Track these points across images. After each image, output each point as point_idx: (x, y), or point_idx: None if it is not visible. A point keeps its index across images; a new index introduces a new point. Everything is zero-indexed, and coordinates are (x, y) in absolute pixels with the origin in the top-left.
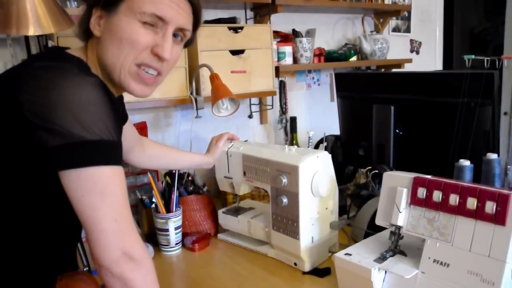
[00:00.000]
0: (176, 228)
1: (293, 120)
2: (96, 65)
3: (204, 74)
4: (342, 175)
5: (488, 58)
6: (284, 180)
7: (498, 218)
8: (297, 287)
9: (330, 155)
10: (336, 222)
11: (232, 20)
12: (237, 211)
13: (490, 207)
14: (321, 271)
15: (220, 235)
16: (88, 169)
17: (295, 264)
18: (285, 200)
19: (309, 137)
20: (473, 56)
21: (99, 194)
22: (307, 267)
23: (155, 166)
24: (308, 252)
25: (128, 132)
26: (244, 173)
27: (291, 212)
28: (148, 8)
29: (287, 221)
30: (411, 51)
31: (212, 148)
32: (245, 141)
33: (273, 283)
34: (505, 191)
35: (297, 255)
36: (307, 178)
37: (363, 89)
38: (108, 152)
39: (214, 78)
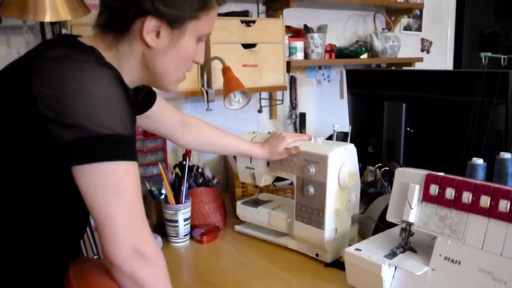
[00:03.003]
0: (185, 220)
1: (303, 116)
2: (117, 59)
3: (216, 67)
4: None
5: (506, 56)
6: (312, 170)
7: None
8: (304, 281)
9: (355, 148)
10: (358, 216)
11: (245, 13)
12: (256, 203)
13: (504, 205)
14: (343, 264)
15: (237, 227)
16: (102, 164)
17: (317, 255)
18: (311, 189)
19: (334, 131)
20: (489, 54)
21: (112, 190)
22: (329, 257)
23: (202, 150)
24: (331, 243)
25: (164, 112)
26: (268, 164)
27: (316, 202)
28: (208, 30)
29: (311, 211)
30: (422, 50)
31: (275, 142)
32: (268, 133)
33: (280, 276)
34: None
35: (320, 246)
36: (335, 169)
37: (375, 86)
38: (123, 147)
39: (226, 70)
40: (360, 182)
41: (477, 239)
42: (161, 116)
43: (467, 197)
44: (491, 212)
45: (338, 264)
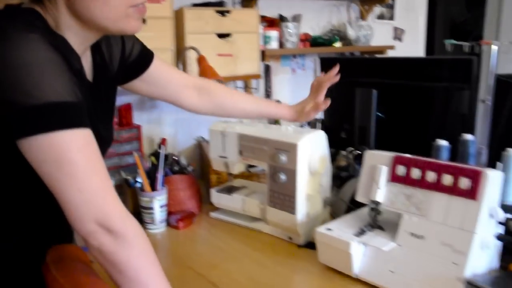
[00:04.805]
0: (161, 206)
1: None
2: (52, 19)
3: (191, 56)
4: None
5: (468, 44)
6: (283, 158)
7: (471, 193)
8: (278, 261)
9: (325, 134)
10: (330, 198)
11: (220, 3)
12: (230, 190)
13: (464, 183)
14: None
15: (212, 214)
16: (36, 138)
17: (290, 238)
18: (283, 177)
19: None
20: (453, 41)
21: (54, 164)
22: (302, 240)
23: (214, 114)
24: (304, 226)
25: (164, 73)
26: (241, 152)
27: (288, 188)
28: None
29: (284, 197)
30: (394, 38)
31: (303, 102)
32: (240, 121)
33: (255, 257)
34: (478, 168)
35: (293, 230)
36: (305, 156)
37: (347, 74)
38: (58, 115)
39: (201, 60)
40: (334, 166)
41: (440, 215)
42: (161, 79)
43: (431, 176)
44: (453, 190)
45: (311, 245)
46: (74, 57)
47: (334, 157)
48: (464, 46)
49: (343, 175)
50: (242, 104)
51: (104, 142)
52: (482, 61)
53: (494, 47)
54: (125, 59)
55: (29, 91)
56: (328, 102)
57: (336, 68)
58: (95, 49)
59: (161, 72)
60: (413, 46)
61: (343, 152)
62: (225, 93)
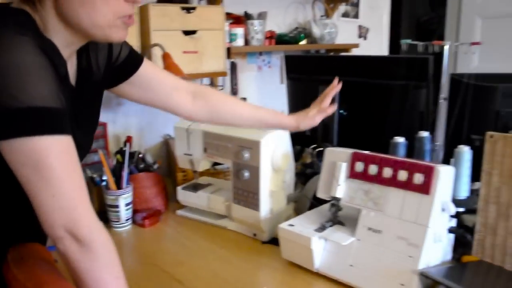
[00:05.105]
0: (126, 205)
1: (244, 100)
2: (41, 21)
3: (157, 53)
4: None
5: (422, 43)
6: (246, 155)
7: (424, 188)
8: (243, 257)
9: (288, 132)
10: (293, 195)
11: (185, 0)
12: (195, 187)
13: (418, 178)
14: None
15: (179, 211)
16: (17, 141)
17: (255, 234)
18: (246, 174)
19: None
20: (408, 41)
21: (32, 168)
22: (266, 236)
23: (210, 121)
24: (267, 222)
25: (154, 76)
26: (205, 150)
27: (252, 185)
28: None
29: (247, 194)
30: (359, 37)
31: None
32: None
33: (220, 254)
34: (430, 164)
35: (257, 226)
36: (268, 153)
37: (311, 71)
38: (41, 119)
39: (166, 57)
40: (299, 163)
41: (396, 210)
42: (151, 82)
43: (387, 172)
44: (408, 185)
45: (274, 241)
46: (61, 62)
47: (299, 154)
48: (418, 46)
49: (308, 172)
50: (240, 110)
51: (81, 149)
52: (444, 61)
53: (446, 47)
54: (112, 62)
55: (14, 93)
56: (335, 107)
57: (336, 79)
58: (82, 53)
59: (151, 75)
60: (377, 44)
61: (308, 150)
62: (222, 99)
